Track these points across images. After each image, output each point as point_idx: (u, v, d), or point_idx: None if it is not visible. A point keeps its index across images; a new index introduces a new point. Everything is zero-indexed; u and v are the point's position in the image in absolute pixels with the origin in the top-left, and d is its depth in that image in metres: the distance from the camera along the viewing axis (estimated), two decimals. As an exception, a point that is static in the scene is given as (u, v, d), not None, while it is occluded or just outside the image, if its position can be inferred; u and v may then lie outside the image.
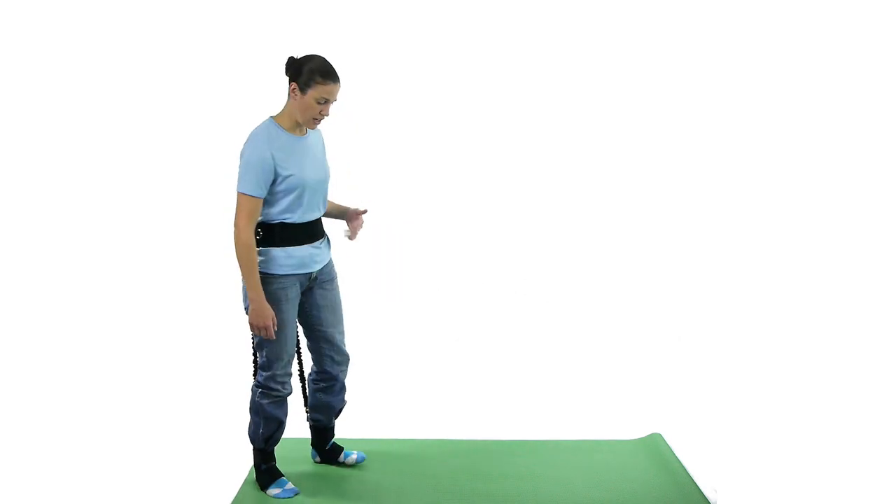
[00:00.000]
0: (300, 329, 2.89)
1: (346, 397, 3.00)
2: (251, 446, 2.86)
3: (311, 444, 3.08)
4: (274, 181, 2.56)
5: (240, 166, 2.55)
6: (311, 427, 3.05)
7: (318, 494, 2.81)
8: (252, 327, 2.62)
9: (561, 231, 4.62)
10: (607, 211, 4.62)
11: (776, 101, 4.35)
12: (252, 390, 2.82)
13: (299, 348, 2.95)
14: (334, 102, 2.63)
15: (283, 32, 4.38)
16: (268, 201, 2.59)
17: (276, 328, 2.62)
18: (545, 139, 4.61)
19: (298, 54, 2.60)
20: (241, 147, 2.62)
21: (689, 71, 4.46)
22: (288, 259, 2.65)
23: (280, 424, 2.82)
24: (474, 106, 4.50)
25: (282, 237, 2.63)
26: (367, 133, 4.48)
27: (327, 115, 2.64)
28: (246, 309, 2.65)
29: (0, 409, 3.41)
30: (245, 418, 3.39)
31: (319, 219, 2.76)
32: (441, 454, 3.16)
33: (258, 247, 2.60)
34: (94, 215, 4.42)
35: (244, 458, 3.07)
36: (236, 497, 2.79)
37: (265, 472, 2.85)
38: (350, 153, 4.50)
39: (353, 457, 3.05)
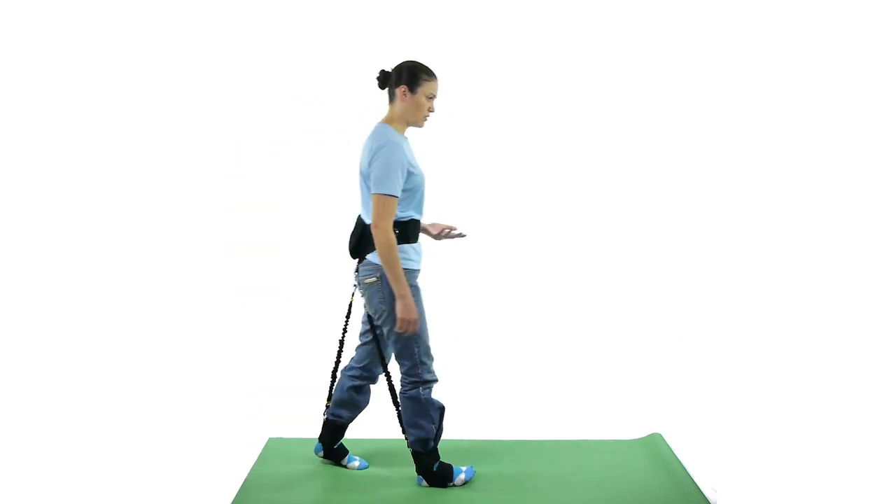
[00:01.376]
0: (346, 324, 3.00)
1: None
2: (419, 456, 2.84)
3: (319, 438, 3.06)
4: (405, 180, 2.70)
5: (380, 170, 2.65)
6: (328, 422, 3.02)
7: (319, 494, 2.80)
8: (402, 322, 2.69)
9: (561, 231, 4.62)
10: (607, 211, 4.62)
11: (775, 101, 4.35)
12: (412, 396, 2.81)
13: (342, 344, 3.00)
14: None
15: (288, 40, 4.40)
16: (400, 200, 2.71)
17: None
18: (544, 139, 4.61)
19: (386, 66, 2.79)
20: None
21: (689, 71, 4.46)
22: (416, 254, 2.81)
23: (444, 413, 2.86)
24: (471, 106, 4.49)
25: (413, 233, 2.79)
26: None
27: (433, 111, 2.80)
28: (382, 310, 2.75)
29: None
30: (243, 417, 3.40)
31: None
32: (441, 454, 3.16)
33: (398, 244, 2.72)
34: (89, 216, 4.42)
35: (243, 459, 3.07)
36: (235, 498, 2.79)
37: (440, 469, 2.85)
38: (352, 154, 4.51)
39: (356, 464, 3.04)
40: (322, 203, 4.47)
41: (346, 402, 3.00)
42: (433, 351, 2.84)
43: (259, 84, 4.43)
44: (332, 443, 3.04)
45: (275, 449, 3.20)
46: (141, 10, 4.32)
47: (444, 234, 3.03)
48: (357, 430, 3.38)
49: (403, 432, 2.87)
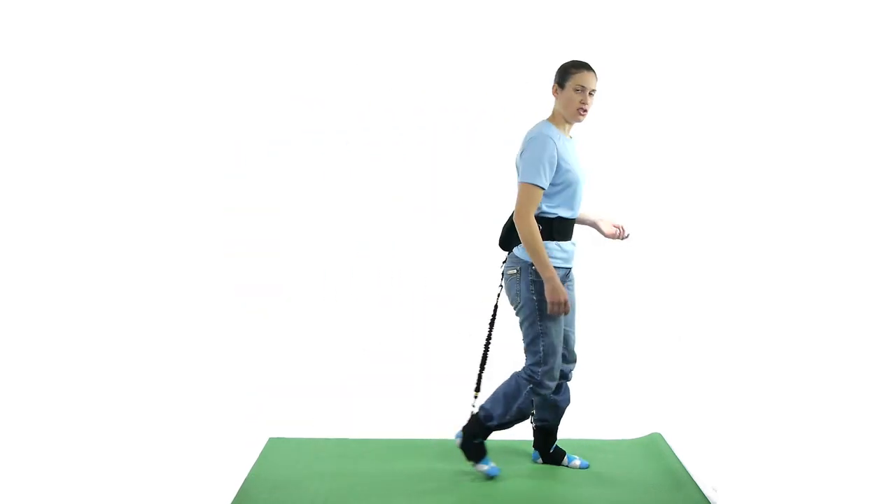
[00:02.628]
0: (491, 326, 3.04)
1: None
2: (476, 421, 2.92)
3: (534, 446, 3.14)
4: (555, 175, 2.77)
5: (526, 160, 2.77)
6: (536, 428, 3.11)
7: (319, 495, 2.80)
8: (551, 305, 2.76)
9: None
10: (606, 211, 4.61)
11: (775, 101, 4.34)
12: (519, 382, 2.89)
13: (488, 347, 3.04)
14: (593, 93, 2.84)
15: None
16: (547, 195, 2.80)
17: (567, 308, 2.77)
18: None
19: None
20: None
21: (688, 71, 4.45)
22: (560, 252, 2.85)
23: (525, 418, 2.93)
24: (469, 105, 4.49)
25: (558, 231, 2.83)
26: (380, 131, 4.48)
27: (587, 104, 2.83)
28: (517, 301, 2.86)
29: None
30: (243, 417, 3.39)
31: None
32: (442, 454, 3.16)
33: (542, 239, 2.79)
34: (89, 216, 4.41)
35: (243, 459, 3.07)
36: (235, 498, 2.79)
37: (478, 445, 2.93)
38: (352, 154, 4.51)
39: (577, 462, 3.08)
40: (322, 203, 4.48)
41: (545, 406, 3.05)
42: (560, 360, 2.87)
43: (259, 84, 4.42)
44: (547, 448, 3.10)
45: (275, 449, 3.20)
46: (141, 10, 4.32)
47: (618, 235, 3.10)
48: (359, 431, 3.39)
49: (477, 389, 2.97)
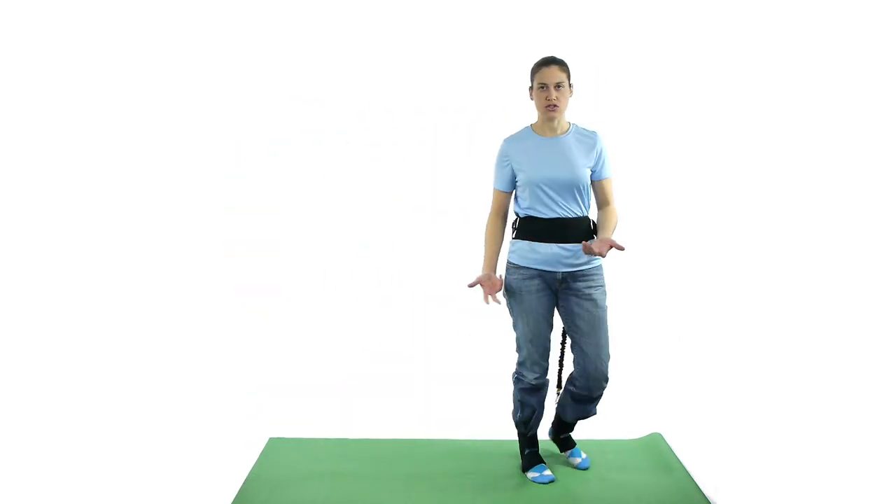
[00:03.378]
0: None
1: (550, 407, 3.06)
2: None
3: (553, 425, 3.19)
4: (515, 176, 2.84)
5: None
6: (556, 412, 3.14)
7: (319, 495, 2.81)
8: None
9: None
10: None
11: (775, 101, 4.34)
12: (512, 375, 2.99)
13: (563, 350, 3.07)
14: (561, 86, 2.76)
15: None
16: (515, 196, 2.89)
17: (490, 297, 2.83)
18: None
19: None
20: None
21: (689, 71, 4.45)
22: (531, 253, 2.82)
23: (533, 412, 2.95)
24: (469, 105, 4.49)
25: (527, 230, 2.84)
26: (380, 131, 4.49)
27: (554, 98, 2.76)
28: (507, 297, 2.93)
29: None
30: (243, 417, 3.40)
31: (573, 220, 2.79)
32: (442, 454, 3.17)
33: (515, 238, 2.88)
34: (90, 216, 4.41)
35: (243, 459, 3.07)
36: (235, 498, 2.79)
37: (527, 456, 3.01)
38: (352, 154, 4.51)
39: (578, 461, 3.09)
40: (322, 203, 4.48)
41: (564, 404, 3.07)
42: (536, 356, 2.88)
43: (259, 84, 4.43)
44: (558, 432, 3.16)
45: (275, 449, 3.20)
46: (141, 9, 4.32)
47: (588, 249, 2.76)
48: (359, 431, 3.39)
49: (558, 385, 3.11)
